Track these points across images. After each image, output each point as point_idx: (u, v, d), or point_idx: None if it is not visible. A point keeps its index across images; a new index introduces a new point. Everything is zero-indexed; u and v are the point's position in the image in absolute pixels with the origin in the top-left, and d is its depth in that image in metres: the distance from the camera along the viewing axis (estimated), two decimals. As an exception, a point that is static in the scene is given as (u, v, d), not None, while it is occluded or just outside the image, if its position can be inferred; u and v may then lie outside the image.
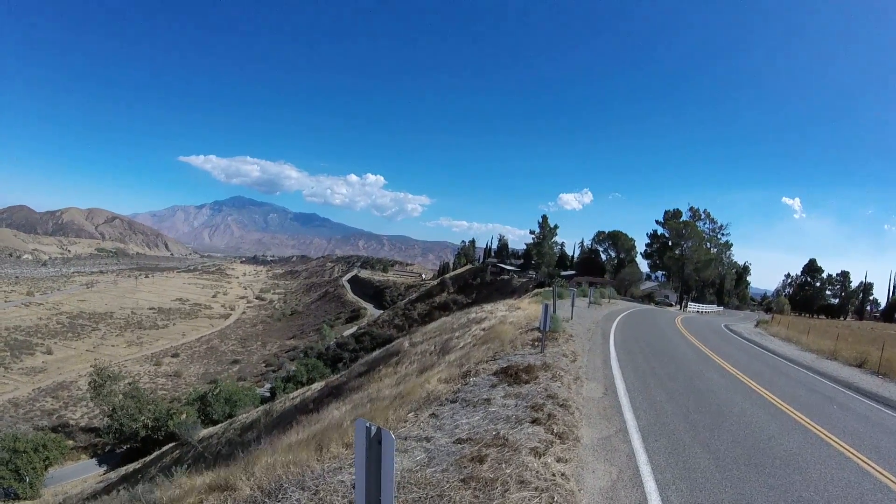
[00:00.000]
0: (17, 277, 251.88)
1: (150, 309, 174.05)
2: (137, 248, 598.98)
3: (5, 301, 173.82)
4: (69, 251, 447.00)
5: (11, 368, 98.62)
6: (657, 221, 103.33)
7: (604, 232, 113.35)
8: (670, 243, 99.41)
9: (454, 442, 8.59)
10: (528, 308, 31.74)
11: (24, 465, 51.96)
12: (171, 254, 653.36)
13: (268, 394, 68.92)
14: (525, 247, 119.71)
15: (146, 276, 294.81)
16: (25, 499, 50.40)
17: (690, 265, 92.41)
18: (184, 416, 57.00)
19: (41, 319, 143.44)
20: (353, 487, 7.05)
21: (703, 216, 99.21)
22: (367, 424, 4.37)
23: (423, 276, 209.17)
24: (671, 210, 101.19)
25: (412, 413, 10.68)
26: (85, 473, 58.71)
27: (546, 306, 17.24)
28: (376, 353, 44.38)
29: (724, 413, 12.49)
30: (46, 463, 55.11)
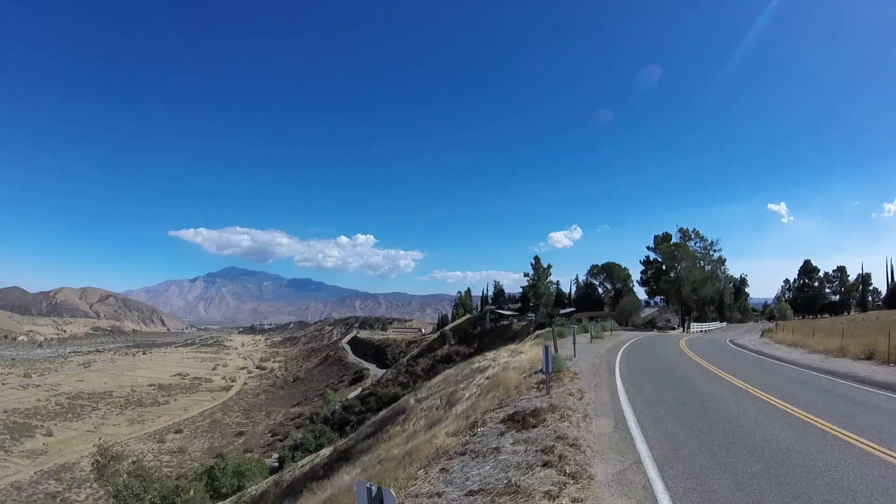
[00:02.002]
0: (13, 359, 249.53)
1: (150, 385, 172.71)
2: (133, 324, 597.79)
3: (3, 383, 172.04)
4: (65, 331, 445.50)
5: (12, 451, 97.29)
6: (648, 247, 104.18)
7: (597, 265, 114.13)
8: (664, 267, 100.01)
9: (465, 495, 8.46)
10: (530, 351, 31.64)
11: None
12: (168, 329, 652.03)
13: (276, 464, 68.12)
14: (521, 290, 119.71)
15: (144, 353, 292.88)
16: None
17: (687, 286, 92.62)
18: (191, 492, 56.29)
19: (40, 401, 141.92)
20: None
21: (692, 236, 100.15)
22: (368, 485, 4.36)
23: (423, 330, 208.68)
24: (660, 234, 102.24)
25: (422, 470, 10.56)
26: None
27: (546, 348, 17.23)
28: (383, 412, 44.08)
29: (738, 430, 12.33)
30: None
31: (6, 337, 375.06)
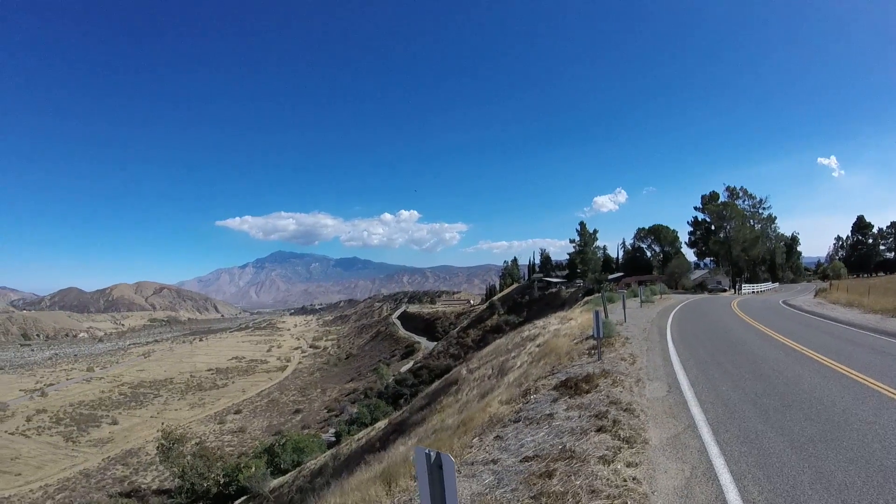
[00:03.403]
0: (75, 355, 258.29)
1: (208, 370, 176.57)
2: (188, 313, 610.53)
3: (67, 378, 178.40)
4: (123, 325, 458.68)
5: (80, 441, 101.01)
6: (696, 208, 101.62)
7: (644, 228, 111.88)
8: (713, 227, 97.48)
9: (521, 461, 8.55)
10: (579, 318, 31.47)
11: (101, 533, 53.60)
12: (222, 315, 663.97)
13: (333, 438, 69.15)
14: (568, 257, 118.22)
15: (200, 340, 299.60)
16: None
17: (737, 246, 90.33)
18: (253, 469, 57.56)
19: (104, 392, 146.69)
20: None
21: (740, 194, 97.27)
22: (427, 451, 4.40)
23: (472, 301, 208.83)
24: (708, 194, 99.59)
25: (476, 438, 10.64)
26: (162, 534, 59.93)
27: (597, 313, 17.08)
28: (435, 384, 44.39)
29: (793, 392, 12.12)
30: (121, 529, 56.84)
31: (67, 335, 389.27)
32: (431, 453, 4.37)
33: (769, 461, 8.14)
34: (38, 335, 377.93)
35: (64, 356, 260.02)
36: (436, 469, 4.34)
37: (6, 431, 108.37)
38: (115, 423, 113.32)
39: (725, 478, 7.70)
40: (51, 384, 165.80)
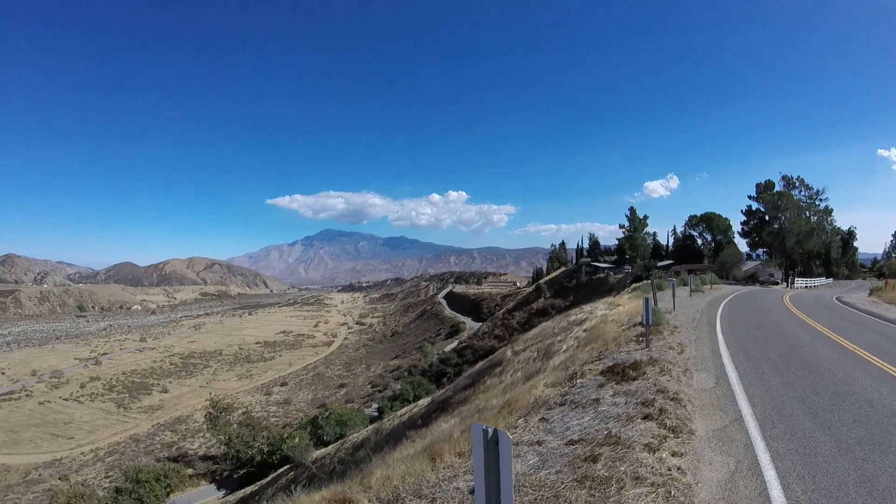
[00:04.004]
0: (129, 327, 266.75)
1: (257, 343, 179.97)
2: (238, 288, 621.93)
3: (120, 348, 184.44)
4: (175, 298, 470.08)
5: (131, 408, 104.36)
6: (750, 196, 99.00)
7: (696, 215, 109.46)
8: (767, 218, 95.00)
9: (566, 444, 8.64)
10: (627, 304, 31.25)
11: (146, 493, 55.62)
12: (271, 290, 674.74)
13: (376, 413, 69.98)
14: (617, 242, 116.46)
15: (249, 314, 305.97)
16: None
17: (791, 238, 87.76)
18: (296, 439, 58.57)
19: (155, 362, 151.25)
20: (470, 493, 7.22)
21: (797, 184, 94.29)
22: (484, 427, 4.50)
23: (518, 284, 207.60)
24: (763, 182, 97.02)
25: (521, 419, 10.76)
26: (205, 497, 61.82)
27: (647, 300, 17.00)
28: (479, 364, 44.47)
29: (843, 393, 11.89)
30: (168, 490, 58.86)
31: (121, 307, 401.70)
32: (489, 430, 4.48)
33: (815, 460, 8.10)
34: (93, 307, 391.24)
35: (118, 327, 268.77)
36: (492, 445, 4.44)
37: (61, 397, 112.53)
38: (165, 391, 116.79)
39: (770, 474, 7.70)
40: (104, 353, 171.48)
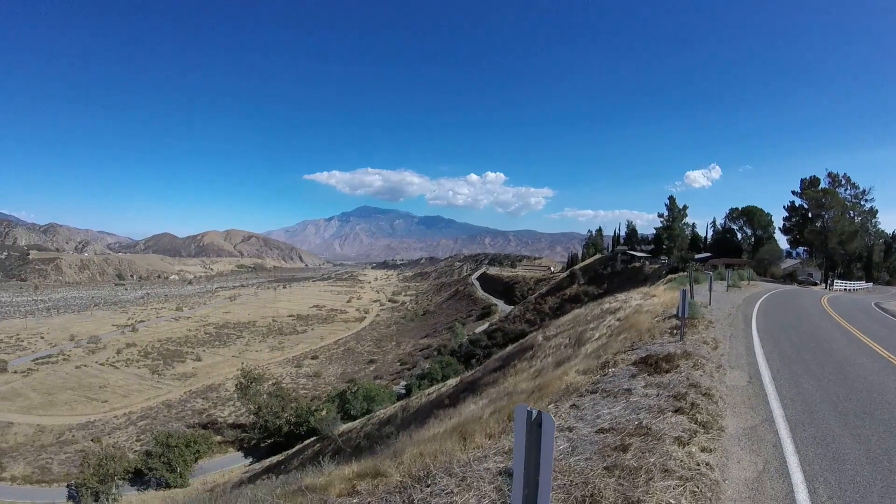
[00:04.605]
0: (166, 296, 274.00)
1: (290, 316, 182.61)
2: (274, 261, 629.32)
3: (157, 316, 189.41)
4: (212, 269, 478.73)
5: (165, 374, 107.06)
6: (794, 192, 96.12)
7: (737, 209, 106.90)
8: (810, 215, 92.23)
9: (596, 431, 8.71)
10: (662, 295, 30.96)
11: (176, 458, 57.17)
12: (306, 265, 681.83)
13: (403, 391, 70.58)
14: (654, 231, 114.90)
15: (284, 287, 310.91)
16: (175, 487, 54.88)
17: (834, 238, 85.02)
18: (324, 412, 59.45)
19: (190, 331, 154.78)
20: (499, 474, 7.34)
21: (842, 182, 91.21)
22: (528, 409, 4.56)
23: (552, 269, 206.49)
24: (808, 178, 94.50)
25: (552, 405, 10.80)
26: (232, 464, 63.34)
27: (684, 292, 16.93)
28: (509, 348, 44.55)
29: (875, 401, 11.69)
30: (196, 456, 60.46)
31: (159, 277, 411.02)
32: (533, 411, 4.55)
33: (843, 467, 8.08)
34: (131, 276, 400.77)
35: (155, 296, 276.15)
36: (535, 427, 4.52)
37: (97, 362, 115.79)
38: (198, 359, 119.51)
39: (797, 477, 7.72)
40: (141, 321, 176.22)
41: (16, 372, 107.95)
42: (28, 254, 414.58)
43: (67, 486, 59.44)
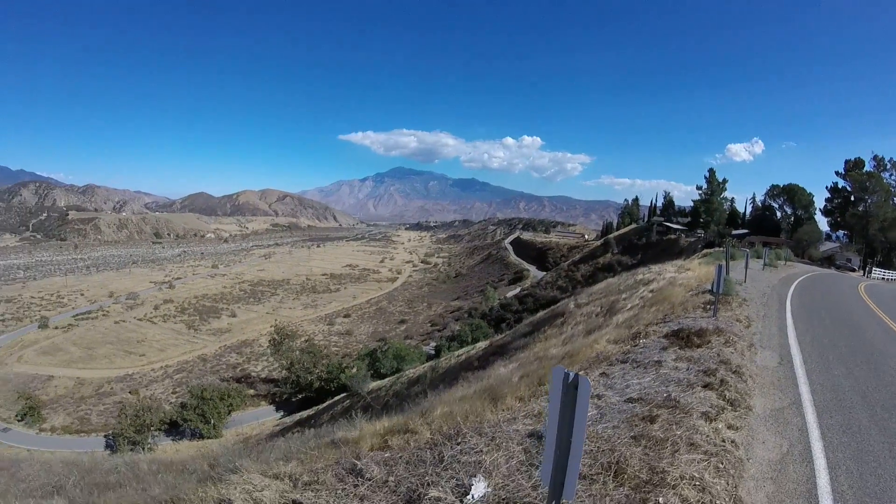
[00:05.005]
0: (202, 254, 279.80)
1: (323, 275, 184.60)
2: (308, 221, 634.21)
3: (193, 274, 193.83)
4: (247, 228, 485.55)
5: (200, 330, 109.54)
6: (837, 173, 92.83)
7: (778, 186, 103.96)
8: (852, 198, 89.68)
9: (625, 401, 8.87)
10: (697, 269, 30.74)
11: (210, 410, 58.75)
12: (340, 224, 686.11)
13: (433, 352, 70.95)
14: (692, 204, 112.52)
15: (318, 246, 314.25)
16: (209, 438, 56.46)
17: (875, 224, 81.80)
18: (354, 370, 60.29)
19: (225, 288, 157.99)
20: (528, 436, 7.57)
21: (888, 166, 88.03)
22: (565, 371, 4.71)
23: (586, 236, 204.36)
24: (852, 160, 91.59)
25: (582, 371, 10.84)
26: (264, 418, 64.90)
27: (720, 267, 16.87)
28: (540, 314, 44.51)
29: (905, 396, 11.58)
30: (230, 409, 62.14)
31: (195, 235, 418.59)
32: (570, 373, 4.70)
33: (866, 458, 8.05)
34: (168, 235, 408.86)
35: (191, 254, 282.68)
36: (571, 389, 4.68)
37: (135, 318, 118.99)
38: (233, 315, 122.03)
39: (820, 463, 7.76)
40: (178, 278, 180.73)
41: (57, 327, 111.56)
42: (67, 214, 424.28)
43: (105, 436, 61.67)
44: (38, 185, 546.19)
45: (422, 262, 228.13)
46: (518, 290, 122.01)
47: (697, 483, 6.30)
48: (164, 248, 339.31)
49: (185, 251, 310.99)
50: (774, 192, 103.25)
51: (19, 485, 11.93)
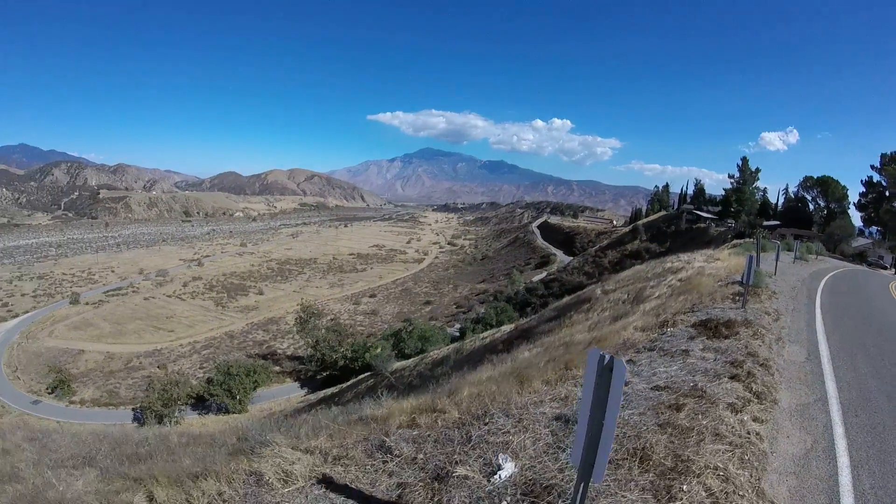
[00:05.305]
0: (230, 232, 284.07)
1: (350, 254, 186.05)
2: (336, 201, 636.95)
3: (221, 252, 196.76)
4: (275, 207, 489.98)
5: (228, 307, 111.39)
6: (872, 167, 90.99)
7: (812, 177, 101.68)
8: (887, 193, 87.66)
9: (651, 388, 8.97)
10: (727, 260, 30.49)
11: (236, 385, 59.95)
12: (367, 205, 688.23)
13: (457, 334, 71.20)
14: (723, 192, 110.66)
15: (345, 226, 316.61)
16: (235, 413, 57.56)
17: None
18: (379, 349, 60.72)
19: (253, 266, 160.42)
20: (555, 419, 7.74)
21: None
22: (601, 353, 4.76)
23: (614, 222, 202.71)
24: (889, 153, 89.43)
25: (609, 357, 10.93)
26: (289, 394, 66.00)
27: (751, 258, 16.76)
28: (566, 299, 44.42)
29: (934, 399, 11.43)
30: (255, 384, 63.36)
31: (224, 214, 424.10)
32: (605, 356, 4.75)
33: (890, 459, 8.02)
34: (198, 213, 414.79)
35: (220, 232, 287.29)
36: (606, 372, 4.73)
37: (164, 294, 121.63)
38: (260, 293, 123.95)
39: (843, 461, 7.78)
40: (207, 256, 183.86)
41: (87, 303, 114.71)
42: (98, 193, 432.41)
43: (133, 409, 63.34)
44: (69, 164, 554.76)
45: (448, 244, 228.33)
46: (544, 274, 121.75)
47: (721, 473, 6.38)
48: (193, 226, 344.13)
49: (213, 229, 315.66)
50: (808, 183, 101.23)
51: (51, 455, 12.29)
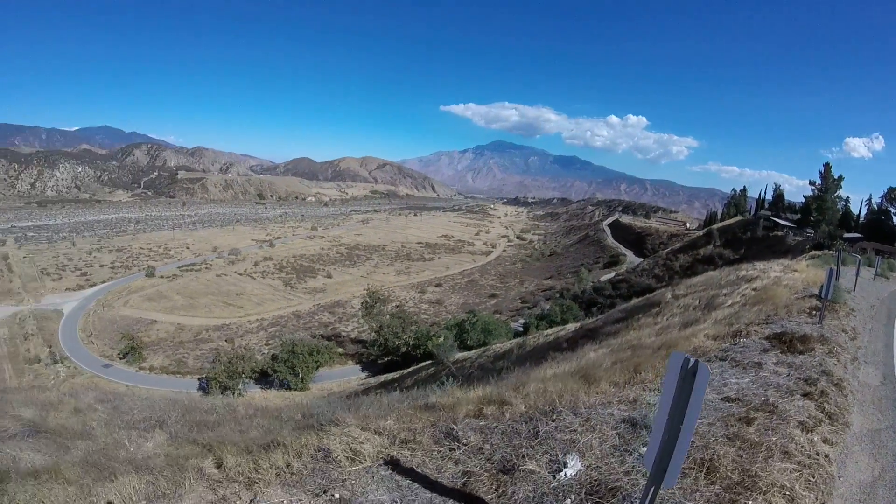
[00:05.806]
0: (302, 216, 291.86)
1: (418, 243, 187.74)
2: (406, 189, 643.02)
3: (293, 234, 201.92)
4: (346, 193, 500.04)
5: (297, 288, 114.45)
6: None
7: None
8: None
9: (721, 399, 8.94)
10: (804, 271, 29.56)
11: (300, 363, 61.70)
12: (437, 195, 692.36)
13: (521, 328, 71.14)
14: (803, 200, 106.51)
15: (415, 215, 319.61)
16: (296, 390, 59.13)
17: None
18: (441, 339, 61.15)
19: (323, 249, 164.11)
20: (622, 422, 7.85)
21: None
22: (685, 356, 4.74)
23: (688, 225, 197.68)
24: None
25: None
26: (349, 376, 67.40)
27: (831, 271, 16.30)
28: (634, 301, 43.84)
29: None
30: (317, 364, 65.02)
31: (297, 198, 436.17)
32: (690, 359, 4.72)
33: None
34: (271, 196, 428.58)
35: (292, 216, 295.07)
36: (689, 376, 4.70)
37: (236, 272, 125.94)
38: (328, 276, 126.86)
39: None
40: (278, 237, 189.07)
41: (162, 277, 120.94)
42: (177, 174, 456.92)
43: (199, 379, 66.04)
44: (149, 146, 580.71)
45: (517, 238, 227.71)
46: (612, 274, 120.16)
47: (788, 493, 6.30)
48: (266, 208, 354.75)
49: (286, 213, 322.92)
50: (893, 195, 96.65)
51: (122, 416, 12.93)
